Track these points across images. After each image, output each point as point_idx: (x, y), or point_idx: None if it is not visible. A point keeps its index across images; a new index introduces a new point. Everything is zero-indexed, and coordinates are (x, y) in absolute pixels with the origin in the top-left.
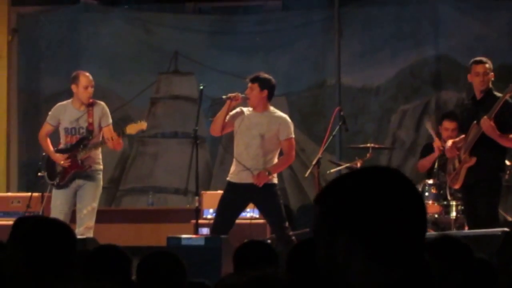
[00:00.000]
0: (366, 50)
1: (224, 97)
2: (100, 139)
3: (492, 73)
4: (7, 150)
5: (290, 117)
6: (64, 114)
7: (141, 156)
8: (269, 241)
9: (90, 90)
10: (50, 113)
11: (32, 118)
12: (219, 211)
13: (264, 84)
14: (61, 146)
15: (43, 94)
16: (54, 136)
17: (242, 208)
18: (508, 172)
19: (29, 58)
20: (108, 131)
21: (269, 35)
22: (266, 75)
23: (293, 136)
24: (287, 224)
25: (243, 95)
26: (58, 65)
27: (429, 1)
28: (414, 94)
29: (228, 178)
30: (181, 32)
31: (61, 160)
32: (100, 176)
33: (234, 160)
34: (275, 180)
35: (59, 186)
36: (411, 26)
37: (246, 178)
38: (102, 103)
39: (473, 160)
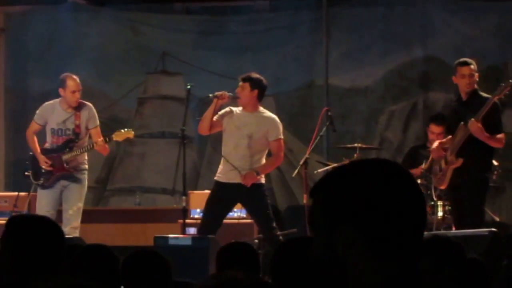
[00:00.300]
0: (354, 51)
1: (211, 95)
2: (87, 142)
3: (477, 74)
4: None
5: (278, 117)
6: (52, 115)
7: (128, 156)
8: (256, 241)
9: (77, 94)
10: (37, 112)
11: (19, 118)
12: (207, 211)
13: (255, 84)
14: (47, 145)
15: (31, 94)
16: (41, 134)
17: (230, 208)
18: (496, 172)
19: (16, 57)
20: (95, 133)
21: (258, 36)
22: (258, 76)
23: (282, 137)
24: (274, 224)
25: (230, 94)
26: (46, 64)
27: (418, 2)
28: (402, 95)
29: (215, 178)
30: (169, 32)
31: (43, 163)
32: (85, 176)
33: (222, 159)
34: (263, 180)
35: (44, 187)
36: (399, 27)
37: (234, 178)
38: (90, 104)
39: (460, 161)
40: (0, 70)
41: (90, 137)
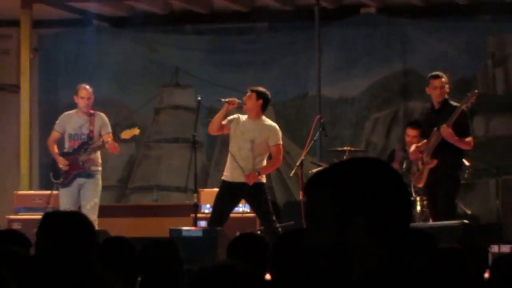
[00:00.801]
0: (342, 65)
1: (223, 100)
2: (100, 144)
3: (448, 85)
4: (30, 154)
5: (277, 124)
6: (69, 122)
7: (146, 158)
8: (258, 232)
9: (86, 101)
10: (57, 121)
11: (51, 126)
12: (215, 207)
13: (260, 94)
14: (66, 150)
15: (61, 105)
16: (61, 141)
17: (235, 204)
18: (467, 171)
19: (48, 73)
20: (108, 138)
21: (258, 53)
22: (264, 89)
23: (281, 142)
24: (274, 217)
25: (239, 101)
26: (73, 79)
27: (398, 22)
28: (384, 104)
29: (223, 178)
30: (181, 50)
31: (61, 163)
32: (99, 176)
33: (229, 157)
34: (264, 180)
35: (63, 185)
36: (382, 45)
37: (238, 177)
38: (102, 114)
39: (434, 162)
40: (34, 85)
41: (102, 141)
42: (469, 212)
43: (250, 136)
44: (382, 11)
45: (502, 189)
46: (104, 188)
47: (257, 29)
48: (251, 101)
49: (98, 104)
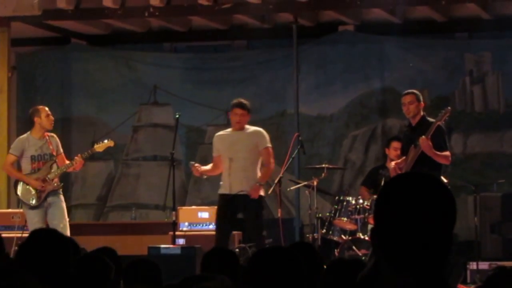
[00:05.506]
0: (321, 83)
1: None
2: (68, 163)
3: (421, 102)
4: None
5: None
6: (28, 145)
7: (125, 176)
8: (237, 250)
9: (51, 117)
10: (12, 145)
11: None
12: (218, 225)
13: (250, 109)
14: (27, 172)
15: None
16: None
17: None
18: None
19: (26, 91)
20: (61, 159)
21: (236, 71)
22: (245, 100)
23: (270, 145)
24: (264, 233)
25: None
26: (51, 97)
27: (375, 39)
28: (363, 121)
29: (219, 192)
30: (159, 68)
31: (37, 185)
32: (62, 194)
33: (224, 171)
34: (262, 193)
35: (35, 207)
36: (360, 62)
37: (237, 187)
38: (54, 134)
39: None
40: (12, 103)
41: (71, 160)
42: None
43: (240, 146)
44: (360, 29)
45: (480, 206)
46: (83, 206)
47: (235, 47)
48: (245, 118)
49: (76, 122)
